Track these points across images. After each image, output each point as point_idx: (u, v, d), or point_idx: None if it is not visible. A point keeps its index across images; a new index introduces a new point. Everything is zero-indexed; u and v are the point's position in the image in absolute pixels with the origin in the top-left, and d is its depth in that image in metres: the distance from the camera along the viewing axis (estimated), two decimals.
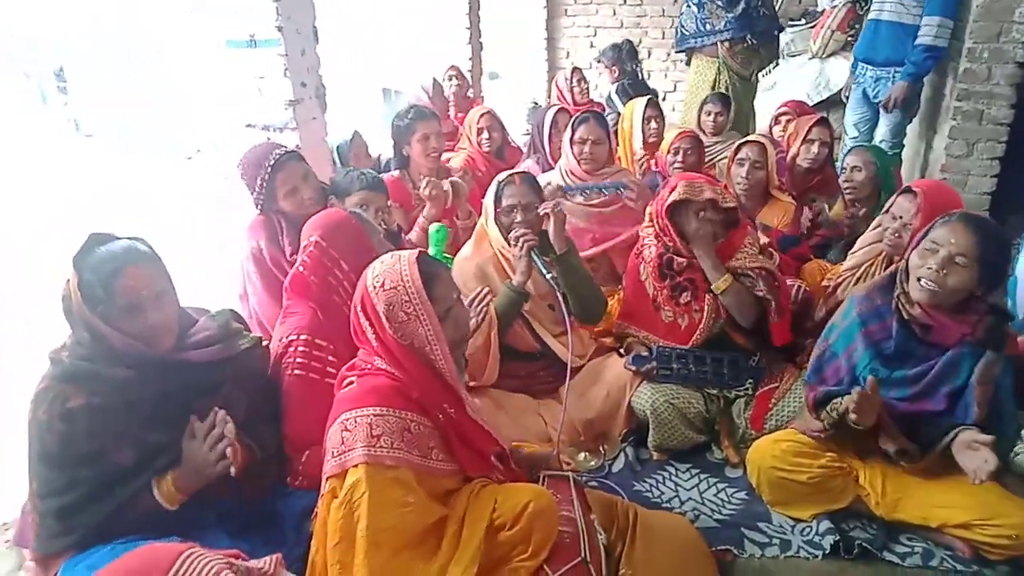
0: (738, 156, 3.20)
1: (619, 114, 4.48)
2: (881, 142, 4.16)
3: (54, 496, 1.59)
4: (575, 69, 5.12)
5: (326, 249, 2.00)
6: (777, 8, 6.61)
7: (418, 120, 3.26)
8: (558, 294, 2.36)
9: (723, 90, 4.82)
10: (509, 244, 2.46)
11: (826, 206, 3.22)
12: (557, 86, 5.20)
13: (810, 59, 6.05)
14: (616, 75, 5.06)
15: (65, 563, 1.59)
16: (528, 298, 2.48)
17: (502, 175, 2.58)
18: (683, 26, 5.03)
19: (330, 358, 1.94)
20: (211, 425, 1.64)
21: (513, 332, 2.51)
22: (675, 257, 2.55)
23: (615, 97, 5.00)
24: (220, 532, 1.70)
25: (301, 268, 2.02)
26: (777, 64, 6.10)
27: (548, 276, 2.40)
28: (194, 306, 1.87)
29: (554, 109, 3.89)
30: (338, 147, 3.51)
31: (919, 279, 1.93)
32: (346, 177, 2.66)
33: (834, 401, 2.04)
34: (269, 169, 2.45)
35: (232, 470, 1.61)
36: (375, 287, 1.64)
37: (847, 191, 3.09)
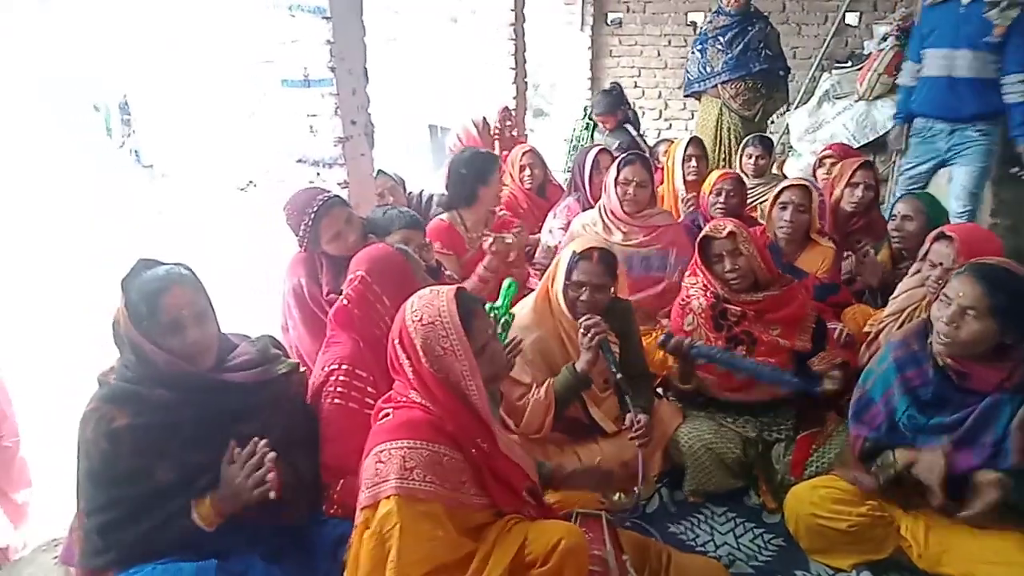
0: (780, 200, 3.14)
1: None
2: (956, 198, 3.99)
3: (98, 513, 1.65)
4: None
5: (370, 284, 2.05)
6: (824, 50, 6.65)
7: (497, 163, 3.32)
8: (625, 396, 2.27)
9: (727, 131, 4.94)
10: (576, 324, 2.34)
11: (871, 250, 3.18)
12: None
13: (856, 101, 6.01)
14: (619, 119, 5.08)
15: None
16: (590, 384, 2.38)
17: (580, 248, 2.43)
18: (688, 71, 5.20)
19: (369, 389, 1.98)
20: (250, 453, 1.68)
21: None
22: (728, 307, 2.49)
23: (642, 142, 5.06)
24: (255, 557, 1.74)
25: (346, 301, 2.07)
26: (789, 106, 6.13)
27: (617, 375, 2.27)
28: (235, 332, 1.93)
29: (596, 149, 3.93)
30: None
31: (937, 332, 1.92)
32: (385, 216, 2.70)
33: (886, 454, 2.01)
34: (312, 215, 2.51)
35: (272, 494, 1.65)
36: (413, 321, 1.67)
37: (896, 240, 3.03)
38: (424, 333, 1.64)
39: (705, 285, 2.54)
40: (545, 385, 2.37)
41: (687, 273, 2.68)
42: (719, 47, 4.88)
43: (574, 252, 2.41)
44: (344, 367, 1.99)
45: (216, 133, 9.53)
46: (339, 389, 1.97)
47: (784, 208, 3.12)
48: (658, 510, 2.41)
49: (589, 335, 2.29)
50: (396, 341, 1.70)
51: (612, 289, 2.48)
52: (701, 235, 2.54)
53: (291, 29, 2.98)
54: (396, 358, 1.71)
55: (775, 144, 4.57)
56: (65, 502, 1.92)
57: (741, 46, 4.79)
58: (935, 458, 1.90)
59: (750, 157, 4.28)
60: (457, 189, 3.40)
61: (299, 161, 3.18)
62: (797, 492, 2.18)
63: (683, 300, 2.64)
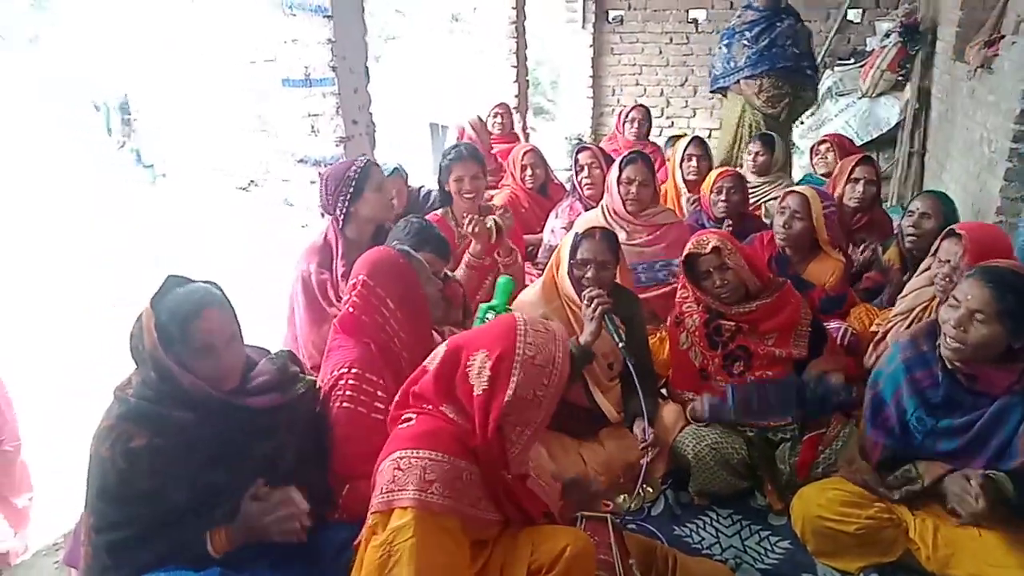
0: (780, 205, 3.10)
1: None
2: None
3: (109, 531, 1.62)
4: (635, 107, 5.10)
5: (373, 288, 2.03)
6: (826, 47, 6.62)
7: (455, 162, 3.25)
8: (629, 364, 2.24)
9: (748, 128, 4.81)
10: (581, 301, 2.37)
11: (879, 247, 3.13)
12: (618, 120, 5.23)
13: (859, 98, 5.99)
14: None
15: None
16: (594, 358, 2.37)
17: (582, 227, 2.51)
18: (713, 66, 5.09)
19: (379, 393, 1.95)
20: (285, 501, 1.66)
21: None
22: (722, 322, 2.46)
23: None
24: (261, 564, 1.72)
25: (351, 308, 2.04)
26: (817, 105, 5.99)
27: (620, 345, 2.27)
28: (254, 346, 1.90)
29: (576, 148, 3.94)
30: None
31: (944, 335, 1.90)
32: (419, 234, 2.58)
33: (908, 468, 1.99)
34: (361, 167, 2.66)
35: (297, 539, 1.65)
36: (526, 355, 1.57)
37: (910, 237, 2.95)
38: (528, 370, 1.55)
39: (697, 299, 2.52)
40: None
41: (679, 285, 2.64)
42: (744, 42, 4.75)
43: (577, 232, 2.47)
44: (354, 371, 1.96)
45: (217, 133, 9.50)
46: (348, 393, 1.94)
47: (782, 214, 3.07)
48: (663, 512, 2.39)
49: (592, 306, 2.29)
50: (487, 353, 1.59)
51: (615, 273, 2.49)
52: (685, 253, 2.50)
53: (292, 28, 2.96)
54: (463, 370, 1.60)
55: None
56: (66, 506, 1.90)
57: (767, 41, 4.66)
58: (968, 491, 1.84)
59: (750, 154, 4.25)
60: (438, 186, 3.43)
61: (300, 161, 3.18)
62: (804, 494, 2.16)
63: (678, 316, 2.60)
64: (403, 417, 1.68)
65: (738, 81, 4.84)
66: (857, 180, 3.40)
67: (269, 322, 2.80)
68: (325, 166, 3.14)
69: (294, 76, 3.02)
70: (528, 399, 1.55)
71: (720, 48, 4.99)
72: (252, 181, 8.81)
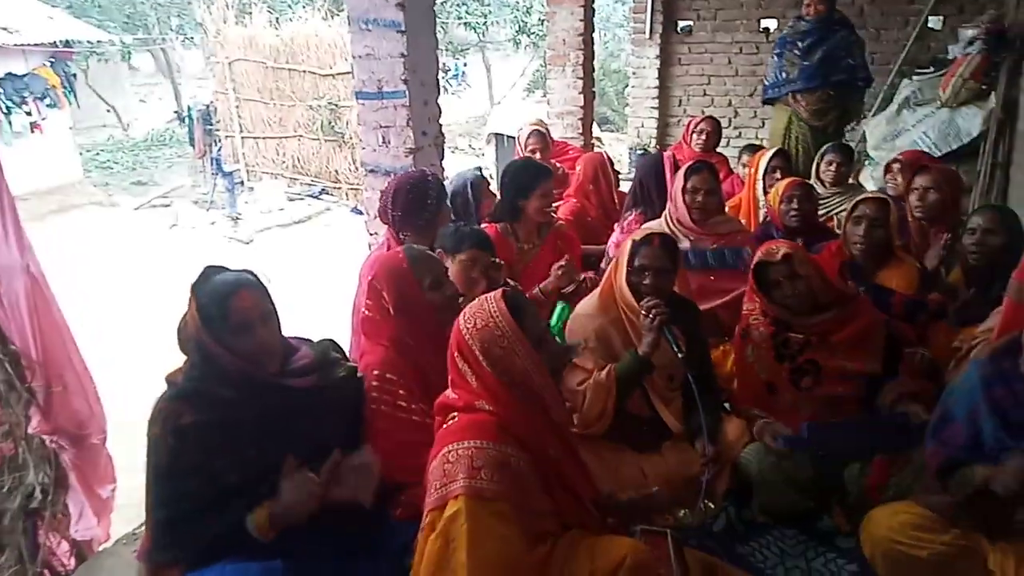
0: (854, 214, 2.94)
1: None
2: None
3: (163, 507, 1.72)
4: (705, 118, 5.00)
5: (379, 291, 2.13)
6: (904, 55, 6.40)
7: (541, 177, 3.24)
8: (689, 376, 2.24)
9: (795, 140, 4.75)
10: (639, 309, 2.34)
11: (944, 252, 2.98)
12: (685, 130, 5.19)
13: (938, 108, 5.75)
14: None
15: None
16: (653, 369, 2.36)
17: (640, 234, 2.50)
18: (766, 77, 5.06)
19: (400, 392, 2.04)
20: (303, 477, 1.73)
21: None
22: (790, 335, 2.41)
23: None
24: (325, 559, 1.77)
25: (366, 311, 2.16)
26: (862, 118, 5.88)
27: (680, 356, 2.26)
28: (296, 336, 2.00)
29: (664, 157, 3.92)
30: (471, 183, 3.45)
31: None
32: (456, 234, 2.65)
33: (965, 471, 1.90)
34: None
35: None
36: (467, 328, 1.68)
37: (973, 255, 2.83)
38: (480, 337, 1.66)
39: (764, 311, 2.46)
40: (606, 368, 2.35)
41: (744, 299, 2.60)
42: (796, 52, 4.70)
43: (634, 239, 2.45)
44: (375, 372, 2.06)
45: (294, 142, 9.86)
46: (373, 394, 2.03)
47: (858, 223, 2.92)
48: (725, 529, 2.35)
49: (650, 316, 2.28)
50: (455, 354, 1.71)
51: (674, 281, 2.47)
52: (755, 261, 2.46)
53: (367, 43, 3.06)
54: (456, 370, 1.72)
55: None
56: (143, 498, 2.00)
57: (820, 54, 4.59)
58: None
59: (830, 164, 4.14)
60: (502, 202, 3.37)
61: (371, 171, 3.26)
62: (874, 516, 2.08)
63: (744, 328, 2.55)
64: (449, 416, 1.73)
65: (787, 94, 4.78)
66: (915, 189, 3.27)
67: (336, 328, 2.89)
68: (394, 176, 3.21)
69: (368, 89, 3.11)
70: (501, 356, 1.65)
71: (772, 57, 4.94)
72: (324, 189, 9.12)
